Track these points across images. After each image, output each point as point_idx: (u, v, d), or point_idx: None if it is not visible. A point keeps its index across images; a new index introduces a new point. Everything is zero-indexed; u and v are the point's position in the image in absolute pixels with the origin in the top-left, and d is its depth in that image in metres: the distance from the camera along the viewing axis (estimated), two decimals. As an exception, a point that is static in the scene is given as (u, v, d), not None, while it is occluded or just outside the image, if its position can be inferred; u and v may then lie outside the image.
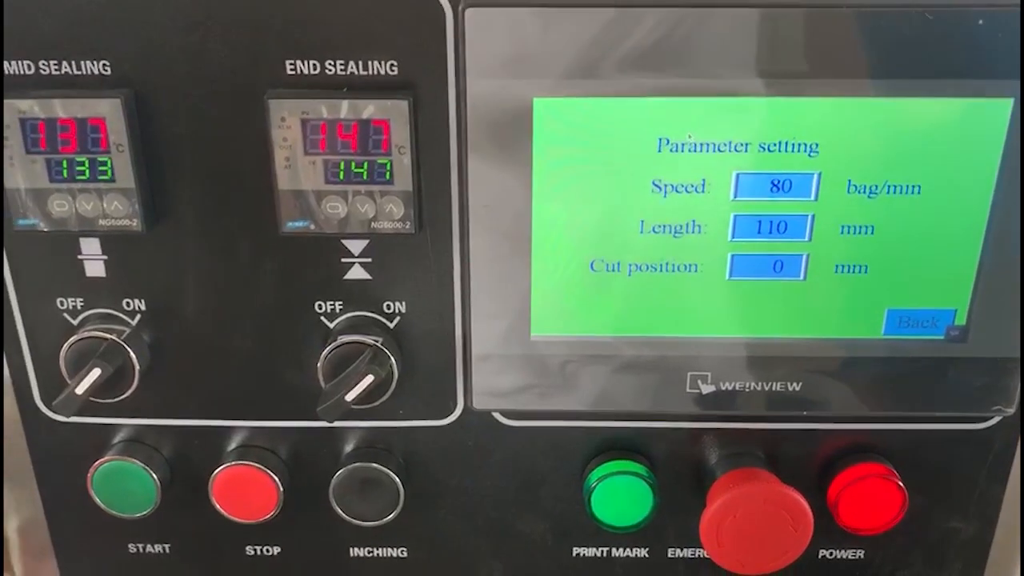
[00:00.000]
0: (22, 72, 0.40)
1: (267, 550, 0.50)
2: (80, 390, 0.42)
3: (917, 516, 0.48)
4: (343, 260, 0.43)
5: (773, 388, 0.44)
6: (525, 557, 0.50)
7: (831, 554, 0.49)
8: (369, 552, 0.50)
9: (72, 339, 0.44)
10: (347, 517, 0.47)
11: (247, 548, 0.50)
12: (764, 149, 0.40)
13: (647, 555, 0.50)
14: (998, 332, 0.43)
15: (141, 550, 0.50)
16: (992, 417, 0.46)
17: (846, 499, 0.46)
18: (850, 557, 0.50)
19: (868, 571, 0.50)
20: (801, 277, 0.43)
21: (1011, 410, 0.44)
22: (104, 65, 0.40)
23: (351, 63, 0.39)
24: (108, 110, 0.40)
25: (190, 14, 0.39)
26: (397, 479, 0.46)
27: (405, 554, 0.50)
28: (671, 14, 0.37)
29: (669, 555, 0.50)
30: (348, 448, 0.47)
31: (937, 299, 0.43)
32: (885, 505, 0.46)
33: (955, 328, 0.43)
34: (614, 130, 0.40)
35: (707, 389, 0.44)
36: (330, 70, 0.40)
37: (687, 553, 0.49)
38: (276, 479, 0.46)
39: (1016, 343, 0.43)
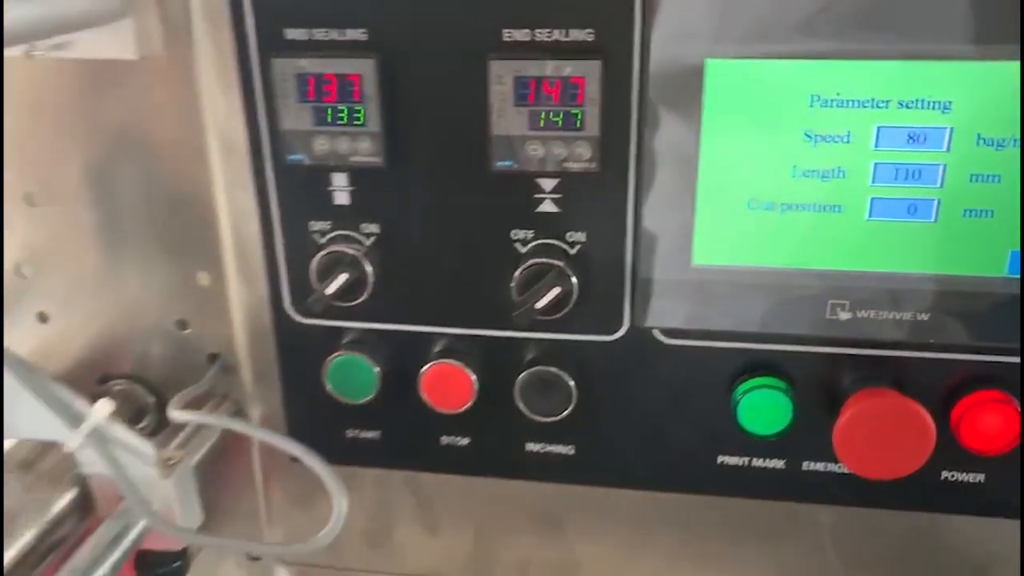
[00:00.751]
0: (299, 38, 0.51)
1: (458, 440, 0.60)
2: (329, 291, 0.54)
3: (1033, 446, 0.53)
4: (536, 196, 0.53)
5: (903, 318, 0.51)
6: (675, 462, 0.58)
7: (953, 476, 0.55)
8: (542, 448, 0.59)
9: (320, 254, 0.55)
10: (528, 413, 0.57)
11: (442, 438, 0.60)
12: (902, 106, 0.47)
13: (783, 466, 0.57)
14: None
15: (357, 435, 0.61)
16: (1108, 355, 0.51)
17: (967, 421, 0.52)
18: (971, 480, 0.55)
19: (987, 495, 0.55)
20: (932, 219, 0.49)
21: None
22: (362, 32, 0.51)
23: (555, 31, 0.49)
24: (363, 68, 0.51)
25: (428, 2, 0.49)
26: (571, 383, 0.56)
27: (572, 452, 0.59)
28: (826, -11, 0.45)
29: (803, 467, 0.57)
30: (531, 355, 0.57)
31: (1059, 243, 0.49)
32: (1003, 429, 0.52)
33: (1075, 270, 0.49)
34: (773, 87, 0.48)
35: (845, 316, 0.51)
36: (538, 37, 0.49)
37: (819, 466, 0.56)
38: (473, 377, 0.56)
39: None
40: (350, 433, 0.61)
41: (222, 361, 0.64)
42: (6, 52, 0.53)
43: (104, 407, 0.52)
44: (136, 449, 0.53)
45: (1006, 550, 0.58)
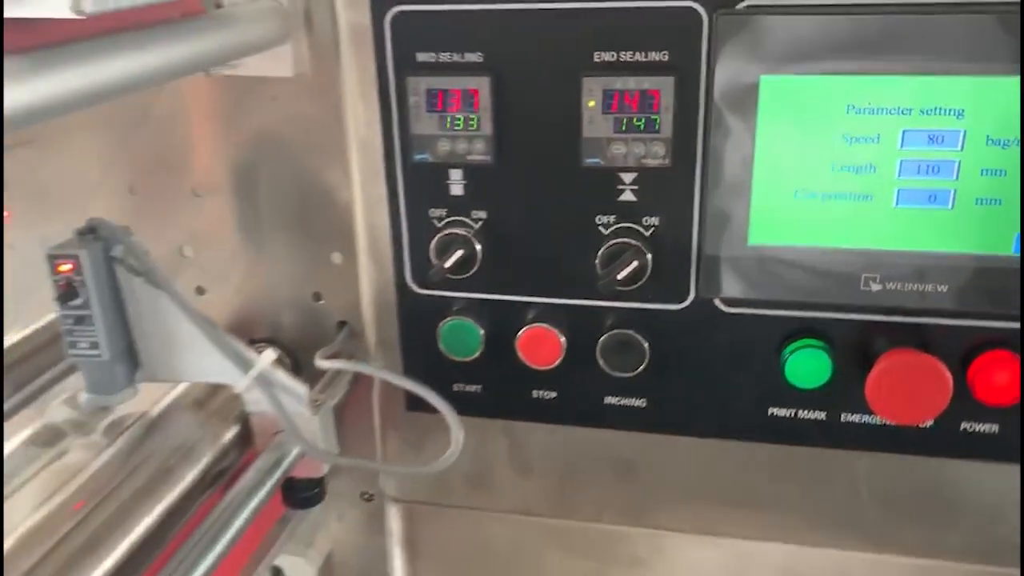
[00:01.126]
0: (428, 60, 0.64)
1: (547, 394, 0.72)
2: (446, 265, 0.66)
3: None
4: (618, 187, 0.64)
5: (926, 289, 0.61)
6: (732, 414, 0.69)
7: (971, 427, 0.65)
8: (618, 400, 0.71)
9: (439, 235, 0.67)
10: (608, 370, 0.68)
11: (533, 391, 0.72)
12: (923, 113, 0.57)
13: (824, 417, 0.67)
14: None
15: (462, 389, 0.73)
16: (1104, 322, 0.60)
17: (981, 377, 0.62)
18: (986, 431, 0.65)
19: (1001, 443, 0.65)
20: (950, 207, 0.59)
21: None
22: (479, 55, 0.63)
23: (637, 53, 0.60)
24: (480, 85, 0.63)
25: (533, 31, 0.61)
26: (645, 344, 0.67)
27: (644, 404, 0.70)
28: (864, 20, 0.56)
29: (841, 418, 0.67)
30: (611, 321, 0.68)
31: (1057, 226, 0.58)
32: (1011, 383, 0.61)
33: (1072, 249, 0.59)
34: (816, 99, 0.58)
35: (876, 288, 0.62)
36: (622, 58, 0.61)
37: (855, 417, 0.66)
38: (562, 339, 0.68)
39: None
40: (456, 387, 0.73)
41: (350, 327, 0.76)
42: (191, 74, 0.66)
43: (269, 355, 0.65)
44: (293, 390, 0.66)
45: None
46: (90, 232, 0.63)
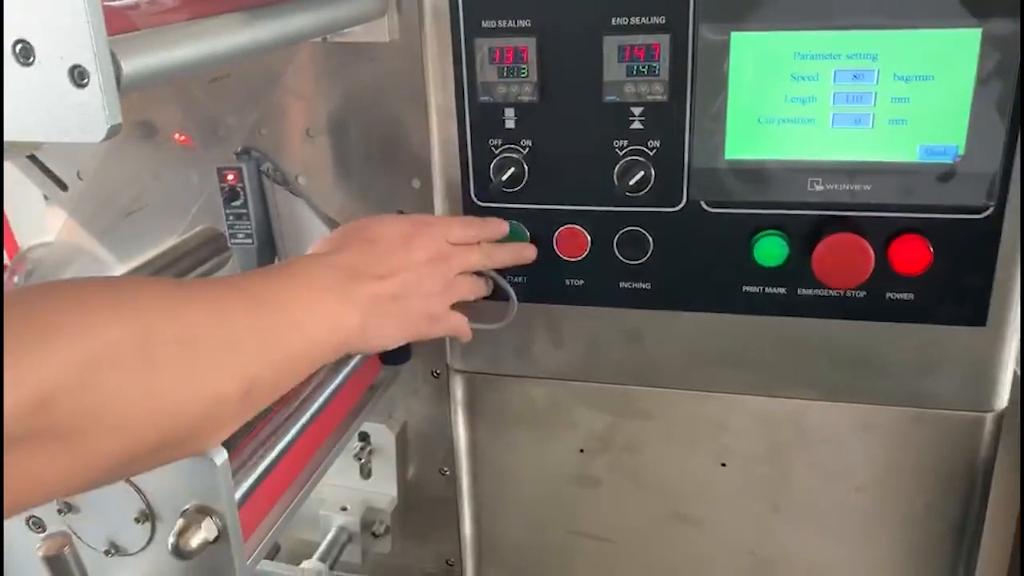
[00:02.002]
0: (490, 26, 0.87)
1: (576, 281, 0.94)
2: (503, 179, 0.89)
3: (940, 273, 0.84)
4: (629, 118, 0.87)
5: (855, 188, 0.83)
6: (716, 291, 0.91)
7: (894, 295, 0.87)
8: (630, 284, 0.92)
9: (495, 159, 0.90)
10: (622, 259, 0.90)
11: (566, 280, 0.94)
12: (849, 57, 0.80)
13: (784, 292, 0.89)
14: (984, 159, 0.80)
15: (511, 280, 0.96)
16: (987, 209, 0.82)
17: (897, 255, 0.84)
18: (905, 298, 0.87)
19: (916, 308, 0.87)
20: (871, 126, 0.81)
21: (993, 204, 0.81)
22: (527, 21, 0.86)
23: (642, 17, 0.83)
24: (528, 43, 0.86)
25: (566, 3, 0.84)
26: (650, 238, 0.89)
27: (649, 287, 0.93)
28: (801, -9, 0.78)
29: (797, 292, 0.89)
30: (624, 221, 0.90)
31: (948, 138, 0.80)
32: (921, 257, 0.83)
33: (958, 156, 0.80)
34: (771, 48, 0.81)
35: (819, 188, 0.84)
36: (632, 21, 0.83)
37: (808, 292, 0.88)
38: (588, 236, 0.90)
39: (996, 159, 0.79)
40: (507, 278, 0.96)
41: (423, 237, 1.00)
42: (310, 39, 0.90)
43: (373, 244, 0.88)
44: (389, 271, 0.89)
45: (938, 353, 0.89)
46: (245, 153, 0.86)
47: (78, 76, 0.50)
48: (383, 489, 1.11)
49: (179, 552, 0.58)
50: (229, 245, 0.88)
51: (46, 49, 0.50)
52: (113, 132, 0.52)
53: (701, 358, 0.95)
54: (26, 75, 0.51)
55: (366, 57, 0.94)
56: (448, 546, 1.14)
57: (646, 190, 0.87)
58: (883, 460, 0.95)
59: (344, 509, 1.10)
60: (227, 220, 0.86)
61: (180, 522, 0.59)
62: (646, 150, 0.87)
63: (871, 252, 0.82)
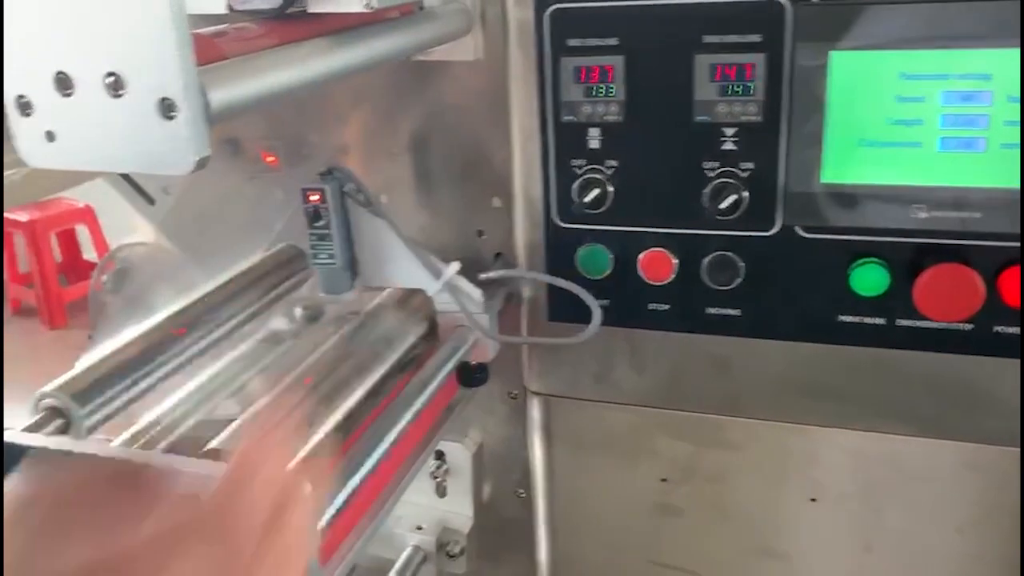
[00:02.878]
0: (576, 44, 0.84)
1: (660, 306, 0.91)
2: (587, 200, 0.86)
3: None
4: (720, 138, 0.83)
5: (963, 216, 0.78)
6: (809, 320, 0.87)
7: (1002, 329, 0.81)
8: (718, 311, 0.89)
9: (579, 179, 0.88)
10: (710, 285, 0.87)
11: (649, 304, 0.91)
12: (962, 77, 0.75)
13: (883, 322, 0.85)
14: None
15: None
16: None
17: (1007, 285, 0.78)
18: (1014, 332, 0.81)
19: (1027, 344, 0.82)
20: (983, 151, 0.76)
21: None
22: (615, 39, 0.83)
23: (736, 35, 0.80)
24: (615, 62, 0.83)
25: (656, 20, 0.81)
26: (741, 264, 0.86)
27: (739, 313, 0.89)
28: (912, 7, 0.74)
29: (896, 323, 0.84)
30: (713, 245, 0.87)
31: (1068, 165, 0.75)
32: (1034, 291, 0.78)
33: (1080, 183, 0.75)
34: (875, 68, 0.76)
35: (923, 215, 0.79)
36: (725, 40, 0.80)
37: (908, 322, 0.84)
38: (674, 259, 0.87)
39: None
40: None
41: (504, 258, 0.98)
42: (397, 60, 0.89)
43: (455, 266, 0.87)
44: (471, 294, 0.88)
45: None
46: (329, 173, 0.86)
47: (167, 108, 0.50)
48: (458, 509, 1.10)
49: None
50: (310, 265, 0.88)
51: (137, 82, 0.50)
52: (201, 165, 0.52)
53: (792, 388, 0.91)
54: (116, 107, 0.51)
55: (449, 75, 0.93)
56: (522, 568, 1.12)
57: (738, 213, 0.84)
58: (986, 501, 0.90)
59: (419, 528, 1.09)
60: (310, 240, 0.86)
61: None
62: (739, 172, 0.84)
63: (980, 283, 0.77)
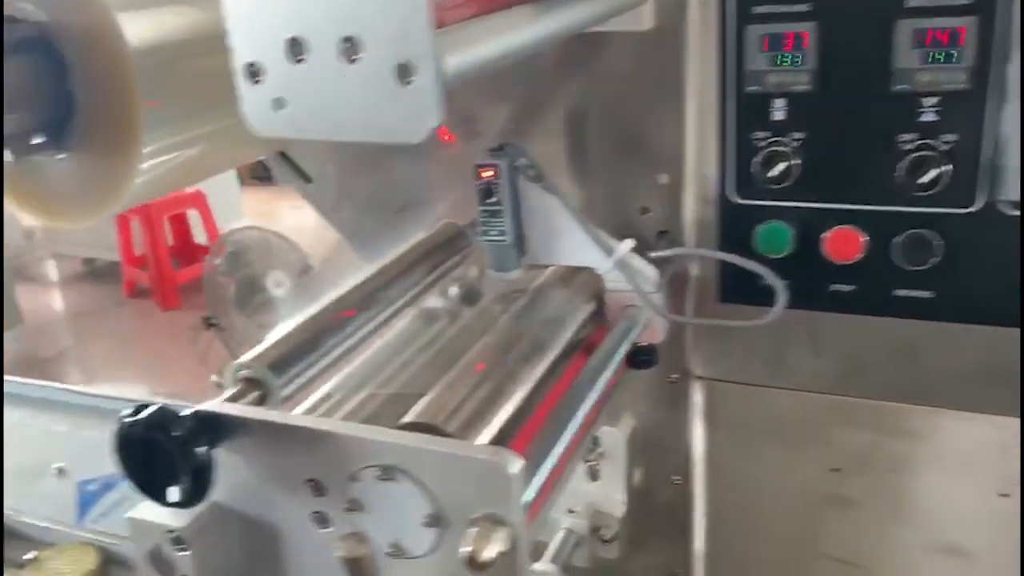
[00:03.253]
0: (762, 11, 0.80)
1: (844, 287, 0.86)
2: (771, 175, 0.82)
3: None
4: (918, 109, 0.78)
5: None
6: (1010, 303, 0.81)
7: None
8: (907, 292, 0.84)
9: (761, 152, 0.84)
10: (903, 265, 0.82)
11: (831, 285, 0.87)
12: None
13: None
14: None
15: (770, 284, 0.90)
16: None
17: None
18: None
19: None
20: None
21: None
22: (807, 5, 0.79)
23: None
24: (808, 29, 0.79)
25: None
26: (937, 242, 0.80)
27: (931, 295, 0.84)
28: None
29: None
30: (906, 222, 0.82)
31: None
32: None
33: None
34: None
35: None
36: (930, 2, 0.75)
37: None
38: (863, 237, 0.83)
39: None
40: (763, 282, 0.90)
41: (669, 236, 0.95)
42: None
43: (628, 243, 0.84)
44: (644, 273, 0.85)
45: None
46: (501, 149, 0.84)
47: (404, 73, 0.49)
48: (610, 493, 1.07)
49: (473, 562, 0.56)
50: (477, 241, 0.87)
51: (374, 46, 0.49)
52: (431, 133, 0.50)
53: (985, 377, 0.86)
54: (349, 73, 0.50)
55: (617, 46, 0.90)
56: (676, 557, 1.09)
57: (937, 188, 0.79)
58: None
59: (571, 512, 1.07)
60: (480, 217, 0.84)
61: (474, 531, 0.57)
62: (939, 144, 0.79)
63: None
